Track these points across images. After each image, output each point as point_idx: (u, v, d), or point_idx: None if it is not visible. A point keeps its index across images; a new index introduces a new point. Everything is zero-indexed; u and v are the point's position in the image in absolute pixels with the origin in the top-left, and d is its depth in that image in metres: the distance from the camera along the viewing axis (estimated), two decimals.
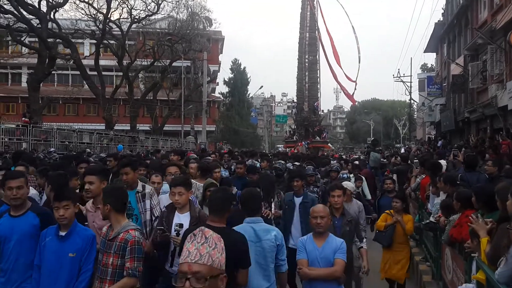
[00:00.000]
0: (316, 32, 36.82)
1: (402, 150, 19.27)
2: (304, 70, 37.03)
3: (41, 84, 24.48)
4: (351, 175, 9.97)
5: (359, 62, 37.94)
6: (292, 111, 40.79)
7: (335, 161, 11.06)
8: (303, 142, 31.99)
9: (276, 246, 3.96)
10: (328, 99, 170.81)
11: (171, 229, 4.36)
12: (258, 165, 10.17)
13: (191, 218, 4.37)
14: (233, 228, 3.76)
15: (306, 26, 36.47)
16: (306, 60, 37.07)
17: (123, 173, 4.96)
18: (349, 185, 6.59)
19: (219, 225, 3.51)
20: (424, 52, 34.95)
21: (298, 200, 6.17)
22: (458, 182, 6.22)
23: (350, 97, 39.43)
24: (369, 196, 9.73)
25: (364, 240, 5.65)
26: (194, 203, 4.82)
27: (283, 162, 10.24)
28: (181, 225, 4.25)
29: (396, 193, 7.51)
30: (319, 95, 37.63)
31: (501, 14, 16.35)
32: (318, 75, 37.93)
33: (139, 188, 4.95)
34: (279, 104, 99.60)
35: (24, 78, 35.07)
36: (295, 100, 38.89)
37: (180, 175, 5.21)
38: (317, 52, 37.32)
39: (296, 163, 12.08)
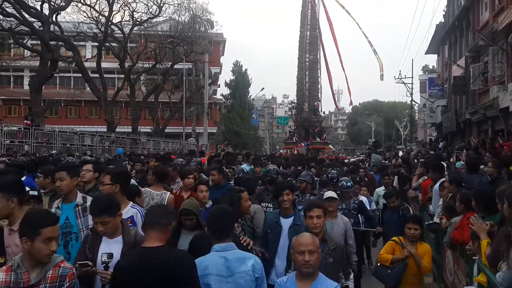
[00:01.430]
0: (317, 30, 36.36)
1: (401, 153, 19.19)
2: (304, 69, 36.28)
3: (43, 87, 24.56)
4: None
5: (376, 54, 37.35)
6: (292, 111, 39.72)
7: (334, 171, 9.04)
8: (303, 143, 31.42)
9: (254, 280, 3.14)
10: (330, 101, 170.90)
11: (97, 261, 3.32)
12: (247, 169, 9.49)
13: (124, 244, 3.41)
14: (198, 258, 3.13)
15: (307, 25, 35.78)
16: (307, 59, 36.28)
17: (57, 178, 4.20)
18: (328, 194, 5.50)
19: (156, 243, 2.97)
20: (426, 53, 34.99)
21: (286, 222, 4.69)
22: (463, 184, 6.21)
23: (336, 102, 39.36)
24: (373, 206, 8.70)
25: (351, 276, 4.62)
26: (137, 221, 3.97)
27: (275, 166, 8.69)
28: (110, 255, 3.26)
29: (411, 215, 5.74)
30: (319, 95, 37.04)
31: (502, 15, 16.37)
32: (319, 74, 37.33)
33: (79, 200, 4.12)
34: (280, 106, 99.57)
35: (26, 81, 35.14)
36: (295, 101, 38.25)
37: (103, 196, 3.96)
38: (318, 51, 36.75)
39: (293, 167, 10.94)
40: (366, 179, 10.99)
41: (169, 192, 5.58)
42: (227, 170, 8.67)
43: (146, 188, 5.50)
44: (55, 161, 9.03)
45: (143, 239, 3.25)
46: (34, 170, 6.44)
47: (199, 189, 5.54)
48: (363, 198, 8.07)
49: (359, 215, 6.76)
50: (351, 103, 48.13)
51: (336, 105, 40.52)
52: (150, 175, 6.34)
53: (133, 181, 6.14)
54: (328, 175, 7.61)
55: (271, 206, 5.94)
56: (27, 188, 4.55)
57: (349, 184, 6.83)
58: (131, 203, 4.21)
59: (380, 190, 9.37)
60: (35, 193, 5.14)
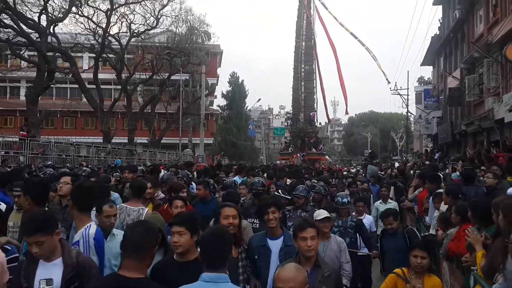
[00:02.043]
0: (312, 41, 36.31)
1: (396, 165, 19.20)
2: (300, 80, 36.21)
3: (39, 98, 24.55)
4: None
5: (376, 60, 37.18)
6: (287, 122, 39.47)
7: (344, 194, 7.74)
8: (298, 154, 31.30)
9: None
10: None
11: None
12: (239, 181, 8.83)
13: (64, 267, 2.94)
14: None
15: (302, 35, 35.94)
16: (302, 70, 36.31)
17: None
18: (322, 214, 4.82)
19: (136, 275, 2.56)
20: (421, 65, 35.29)
21: (275, 244, 4.07)
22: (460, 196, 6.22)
23: (328, 115, 39.12)
24: (373, 228, 7.84)
25: None
26: (83, 240, 3.54)
27: (261, 178, 7.86)
28: (49, 281, 2.87)
29: (418, 240, 5.06)
30: (315, 106, 36.86)
31: (497, 28, 16.54)
32: (315, 85, 37.16)
33: None
34: (277, 117, 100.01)
35: (22, 92, 35.16)
36: (291, 111, 38.08)
37: (36, 212, 3.42)
38: (313, 61, 36.74)
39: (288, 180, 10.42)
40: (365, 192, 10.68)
41: (147, 208, 4.96)
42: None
43: (122, 204, 5.00)
44: (30, 174, 8.93)
45: (88, 261, 2.97)
46: (7, 183, 6.15)
47: (174, 204, 5.15)
48: (368, 219, 7.52)
49: (357, 234, 6.18)
50: (346, 113, 47.49)
51: (328, 118, 40.07)
52: (128, 188, 5.86)
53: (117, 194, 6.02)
54: (336, 200, 6.45)
55: (257, 222, 5.51)
56: None
57: (345, 200, 6.31)
58: (92, 223, 3.75)
59: (378, 204, 8.99)
60: (2, 207, 5.01)
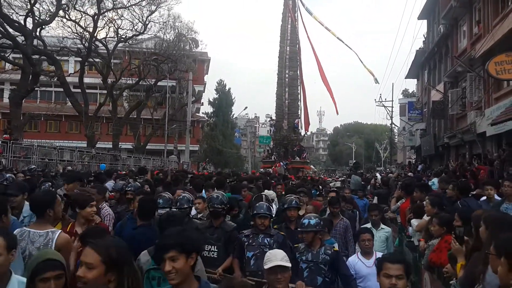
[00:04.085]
0: (297, 46, 35.05)
1: (378, 176, 18.97)
2: (284, 85, 34.61)
3: (23, 100, 24.25)
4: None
5: (362, 62, 35.89)
6: (270, 129, 37.47)
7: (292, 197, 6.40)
8: (281, 163, 29.72)
9: None
10: (312, 121, 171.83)
11: None
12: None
13: None
14: None
15: (286, 40, 34.65)
16: (287, 76, 34.70)
17: None
18: (273, 259, 3.35)
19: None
20: (406, 78, 35.70)
21: None
22: (461, 206, 6.14)
23: (306, 123, 37.16)
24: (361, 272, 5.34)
25: None
26: None
27: (221, 193, 5.60)
28: None
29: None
30: (299, 113, 35.23)
31: (479, 43, 16.90)
32: (299, 91, 35.57)
33: None
34: (263, 125, 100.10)
35: (6, 94, 34.64)
36: (274, 118, 36.00)
37: None
38: (298, 67, 35.31)
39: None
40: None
41: (59, 230, 3.75)
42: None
43: (24, 228, 3.75)
44: None
45: None
46: None
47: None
48: (361, 263, 5.11)
49: (332, 271, 4.58)
50: (337, 113, 43.49)
51: (306, 127, 37.37)
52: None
53: None
54: (289, 201, 5.49)
55: (216, 250, 4.70)
56: None
57: (312, 221, 4.57)
58: None
59: (368, 227, 6.38)
60: None
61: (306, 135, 41.35)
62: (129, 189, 6.42)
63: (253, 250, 4.67)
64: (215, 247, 4.72)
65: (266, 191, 8.83)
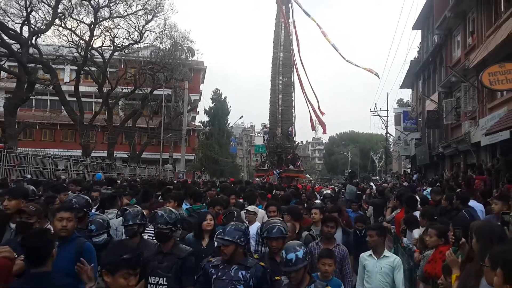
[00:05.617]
0: (291, 52, 34.34)
1: (373, 187, 18.90)
2: (277, 92, 33.81)
3: (18, 109, 24.18)
4: None
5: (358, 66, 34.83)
6: (263, 137, 36.41)
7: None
8: (274, 171, 28.85)
9: None
10: (307, 131, 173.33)
11: None
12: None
13: None
14: None
15: (280, 45, 33.92)
16: (280, 82, 33.91)
17: None
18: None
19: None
20: (400, 87, 35.91)
21: None
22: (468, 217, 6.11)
23: (323, 124, 35.92)
24: None
25: None
26: None
27: (168, 209, 4.30)
28: None
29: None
30: (293, 120, 34.46)
31: (474, 54, 17.02)
32: (293, 98, 34.86)
33: None
34: (258, 134, 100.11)
35: (1, 102, 34.52)
36: (268, 125, 35.17)
37: None
38: (292, 73, 34.60)
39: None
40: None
41: None
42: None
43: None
44: None
45: None
46: None
47: None
48: None
49: None
50: (324, 129, 41.05)
51: (312, 126, 36.06)
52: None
53: None
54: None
55: (165, 283, 3.73)
56: None
57: (300, 253, 3.48)
58: None
59: (365, 257, 5.22)
60: None
61: (301, 143, 40.79)
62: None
63: (222, 286, 3.59)
64: (164, 279, 3.71)
65: (250, 207, 6.71)
